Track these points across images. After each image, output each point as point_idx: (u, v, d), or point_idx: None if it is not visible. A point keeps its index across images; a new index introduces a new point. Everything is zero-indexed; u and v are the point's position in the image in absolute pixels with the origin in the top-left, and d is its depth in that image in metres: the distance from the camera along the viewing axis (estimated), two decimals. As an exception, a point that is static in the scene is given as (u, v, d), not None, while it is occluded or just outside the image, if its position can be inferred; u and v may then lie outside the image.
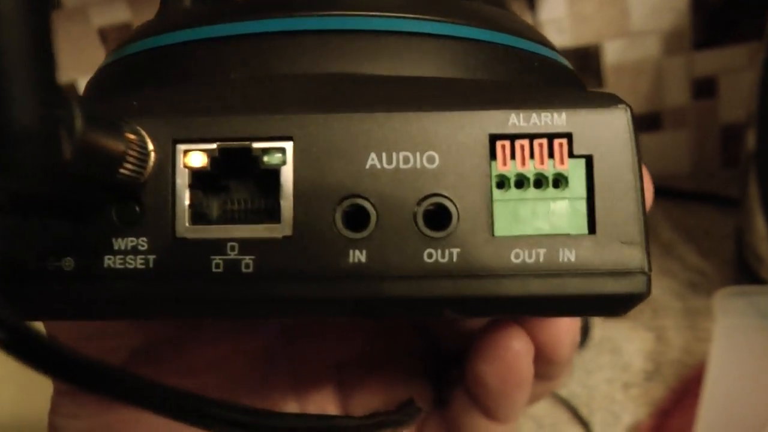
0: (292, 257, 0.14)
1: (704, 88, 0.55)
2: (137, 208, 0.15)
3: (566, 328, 0.21)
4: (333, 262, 0.14)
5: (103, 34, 0.54)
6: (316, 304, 0.14)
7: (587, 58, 0.54)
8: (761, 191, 0.43)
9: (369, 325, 0.25)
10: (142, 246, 0.15)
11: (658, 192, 0.55)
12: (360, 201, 0.14)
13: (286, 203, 0.14)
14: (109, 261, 0.15)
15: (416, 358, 0.26)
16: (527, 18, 0.53)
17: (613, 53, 0.54)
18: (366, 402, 0.25)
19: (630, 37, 0.54)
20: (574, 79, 0.18)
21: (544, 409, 0.45)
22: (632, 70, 0.55)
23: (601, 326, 0.48)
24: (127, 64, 0.17)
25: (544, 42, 0.18)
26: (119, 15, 0.53)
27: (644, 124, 0.57)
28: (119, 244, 0.15)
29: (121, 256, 0.15)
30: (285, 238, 0.14)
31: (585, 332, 0.47)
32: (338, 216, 0.14)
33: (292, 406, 0.24)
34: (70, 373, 0.12)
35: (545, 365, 0.21)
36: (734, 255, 0.49)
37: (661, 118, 0.57)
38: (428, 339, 0.26)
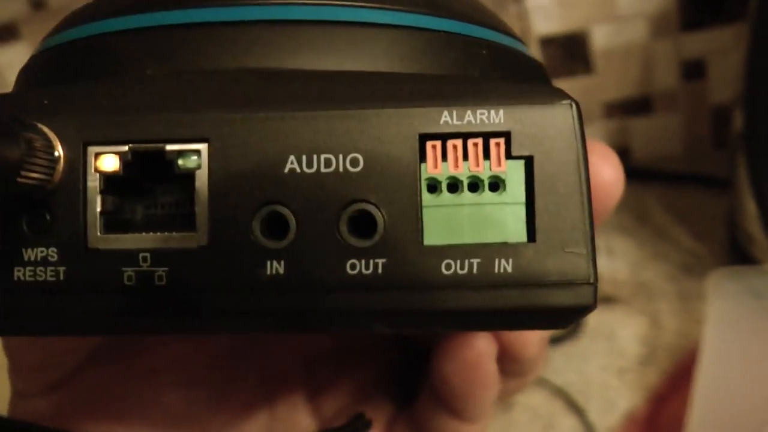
0: (207, 268, 0.13)
1: (693, 70, 0.55)
2: (47, 216, 0.14)
3: None
4: (250, 273, 0.13)
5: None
6: (234, 319, 0.13)
7: (575, 44, 0.54)
8: (750, 171, 0.43)
9: None
10: (52, 257, 0.14)
11: (651, 175, 0.55)
12: (279, 208, 0.13)
13: (201, 210, 0.13)
14: (18, 273, 0.14)
15: (388, 355, 0.25)
16: (512, 5, 0.52)
17: (601, 38, 0.54)
18: (336, 400, 0.24)
19: (617, 22, 0.53)
20: (533, 67, 0.17)
21: (539, 398, 0.44)
22: (621, 55, 0.54)
23: (594, 313, 0.47)
24: (49, 56, 0.16)
25: (498, 27, 0.16)
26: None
27: (635, 107, 0.56)
28: (29, 254, 0.14)
29: (31, 268, 0.14)
30: (200, 247, 0.13)
31: (579, 318, 0.46)
32: (256, 224, 0.13)
33: (261, 407, 0.24)
34: None
35: (512, 363, 0.21)
36: (727, 236, 0.48)
37: (651, 102, 0.56)
38: (401, 335, 0.25)
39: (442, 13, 0.15)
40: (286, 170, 0.13)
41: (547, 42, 0.54)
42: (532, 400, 0.44)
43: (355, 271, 0.13)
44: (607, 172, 0.18)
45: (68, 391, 0.21)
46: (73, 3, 0.17)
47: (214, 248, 0.13)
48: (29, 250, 0.14)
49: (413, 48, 0.14)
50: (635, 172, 0.56)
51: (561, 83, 0.55)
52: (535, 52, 0.54)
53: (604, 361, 0.45)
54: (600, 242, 0.52)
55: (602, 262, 0.50)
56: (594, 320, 0.46)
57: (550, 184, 0.13)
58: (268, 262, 0.13)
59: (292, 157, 0.13)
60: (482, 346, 0.19)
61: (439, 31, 0.14)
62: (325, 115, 0.13)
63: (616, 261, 0.50)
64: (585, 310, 0.13)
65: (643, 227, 0.53)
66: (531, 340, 0.20)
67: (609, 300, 0.48)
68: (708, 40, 0.54)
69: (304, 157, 0.13)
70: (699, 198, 0.53)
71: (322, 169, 0.13)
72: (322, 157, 0.13)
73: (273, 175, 0.13)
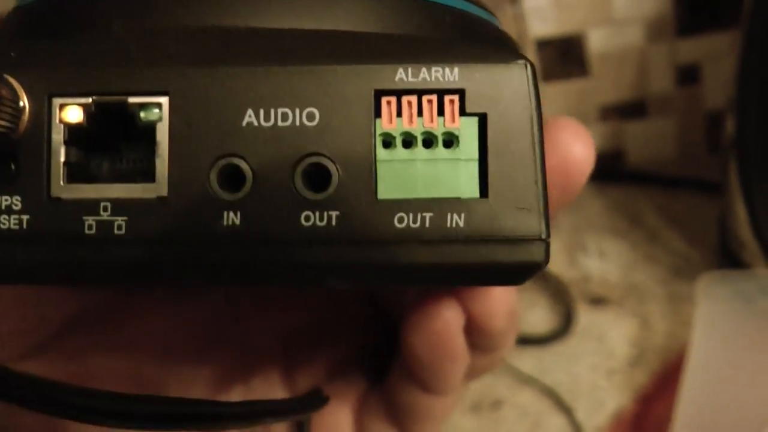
0: (166, 219, 0.13)
1: (688, 75, 0.55)
2: (12, 166, 0.14)
3: (499, 297, 0.20)
4: (207, 225, 0.13)
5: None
6: (191, 269, 0.14)
7: (571, 46, 0.54)
8: (741, 177, 0.43)
9: (315, 295, 0.25)
10: (16, 205, 0.14)
11: (644, 178, 0.55)
12: (235, 160, 0.13)
13: (162, 162, 0.13)
14: (-17, 221, 0.14)
15: (363, 331, 0.25)
16: (509, 7, 0.52)
17: (596, 41, 0.54)
18: (311, 375, 0.24)
19: (613, 26, 0.53)
20: (501, 39, 0.17)
21: (528, 397, 0.44)
22: (616, 58, 0.54)
23: (584, 313, 0.47)
24: (22, 14, 0.16)
25: None
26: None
27: (629, 111, 0.57)
28: None
29: None
30: (159, 198, 0.13)
31: (568, 319, 0.46)
32: (213, 176, 0.13)
33: (236, 381, 0.24)
34: None
35: (480, 336, 0.20)
36: (718, 240, 0.48)
37: (646, 106, 0.56)
38: (378, 310, 0.25)
39: None
40: (244, 123, 0.13)
41: (544, 44, 0.54)
42: (520, 399, 0.44)
43: (309, 223, 0.13)
44: (578, 148, 0.18)
45: (47, 358, 0.21)
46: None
47: (173, 199, 0.13)
48: None
49: (374, 9, 0.14)
50: (629, 175, 0.56)
51: (556, 85, 0.55)
52: (531, 53, 0.54)
53: (594, 361, 0.45)
54: (592, 244, 0.52)
55: (594, 264, 0.50)
56: (584, 321, 0.46)
57: (503, 141, 0.13)
58: (225, 214, 0.13)
59: (249, 111, 0.13)
60: (449, 316, 0.19)
61: None
62: (283, 70, 0.13)
63: (608, 263, 0.50)
64: (536, 266, 0.13)
65: (635, 230, 0.53)
66: (498, 311, 0.20)
67: (600, 301, 0.48)
68: (703, 45, 0.54)
69: (261, 111, 0.13)
70: (692, 202, 0.53)
71: (279, 123, 0.13)
72: (279, 111, 0.13)
73: (231, 128, 0.13)
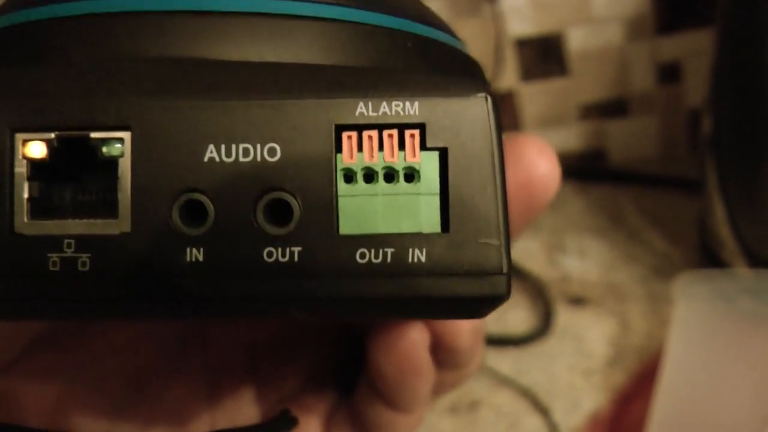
0: (129, 255, 0.13)
1: (669, 73, 0.55)
2: (-25, 203, 0.14)
3: None
4: (170, 260, 0.13)
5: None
6: (155, 304, 0.14)
7: (551, 45, 0.54)
8: (718, 175, 0.43)
9: None
10: None
11: (626, 177, 0.55)
12: (197, 195, 0.13)
13: (124, 197, 0.13)
14: (-54, 257, 0.14)
15: (332, 345, 0.25)
16: (487, 7, 0.52)
17: (576, 40, 0.54)
18: (282, 390, 0.24)
19: (593, 24, 0.54)
20: (464, 62, 0.17)
21: (503, 397, 0.44)
22: (597, 57, 0.55)
23: (564, 313, 0.47)
24: None
25: (429, 21, 0.16)
26: None
27: (611, 110, 0.57)
28: None
29: None
30: (123, 234, 0.14)
31: (547, 319, 0.46)
32: (175, 211, 0.13)
33: (204, 395, 0.24)
34: None
35: (446, 354, 0.21)
36: (698, 239, 0.49)
37: (627, 104, 0.57)
38: (347, 324, 0.25)
39: (365, 5, 0.15)
40: (206, 159, 0.13)
41: (523, 44, 0.54)
42: (497, 400, 0.44)
43: (272, 259, 0.13)
44: (543, 165, 0.18)
45: (11, 377, 0.21)
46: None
47: (136, 235, 0.13)
48: None
49: (334, 40, 0.14)
50: (610, 175, 0.57)
51: (536, 85, 0.55)
52: (510, 53, 0.54)
53: (571, 361, 0.45)
54: (572, 243, 0.52)
55: (574, 263, 0.51)
56: (563, 321, 0.47)
57: (464, 175, 0.13)
58: (188, 249, 0.13)
59: (211, 146, 0.13)
60: (414, 335, 0.20)
61: (362, 23, 0.15)
62: (244, 104, 0.13)
63: (588, 262, 0.51)
64: (498, 300, 0.14)
65: (616, 229, 0.53)
66: (462, 329, 0.20)
67: (579, 301, 0.48)
68: (684, 43, 0.54)
69: (222, 146, 0.13)
70: (673, 201, 0.54)
71: (241, 158, 0.13)
72: (241, 146, 0.13)
73: (192, 163, 0.13)
